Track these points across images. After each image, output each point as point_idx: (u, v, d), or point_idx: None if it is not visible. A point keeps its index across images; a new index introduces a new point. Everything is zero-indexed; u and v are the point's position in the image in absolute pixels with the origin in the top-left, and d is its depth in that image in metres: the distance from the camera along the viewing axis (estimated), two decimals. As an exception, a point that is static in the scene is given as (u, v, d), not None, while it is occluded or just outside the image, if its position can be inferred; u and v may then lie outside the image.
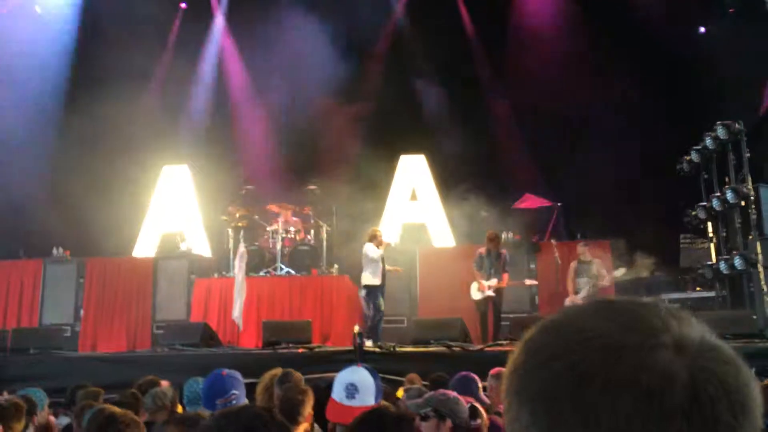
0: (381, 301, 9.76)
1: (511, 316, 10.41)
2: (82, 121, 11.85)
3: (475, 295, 10.15)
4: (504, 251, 10.25)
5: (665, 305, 0.69)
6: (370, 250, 9.68)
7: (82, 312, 11.53)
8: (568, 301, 10.22)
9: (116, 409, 3.61)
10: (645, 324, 0.65)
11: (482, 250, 10.21)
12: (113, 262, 12.02)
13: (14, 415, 3.66)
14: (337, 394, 3.11)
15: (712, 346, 0.66)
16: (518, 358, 0.69)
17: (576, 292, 10.27)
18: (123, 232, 12.73)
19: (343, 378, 3.14)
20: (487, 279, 10.08)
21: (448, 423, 3.22)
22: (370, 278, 9.68)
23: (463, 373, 5.13)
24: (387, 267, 9.86)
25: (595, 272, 10.19)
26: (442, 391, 3.74)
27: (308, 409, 3.55)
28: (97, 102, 12.17)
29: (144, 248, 12.74)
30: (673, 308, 0.68)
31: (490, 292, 10.04)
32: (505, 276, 10.14)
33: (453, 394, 3.48)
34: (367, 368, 3.22)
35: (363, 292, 9.83)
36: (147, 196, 13.01)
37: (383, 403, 3.46)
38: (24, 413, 3.66)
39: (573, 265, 10.40)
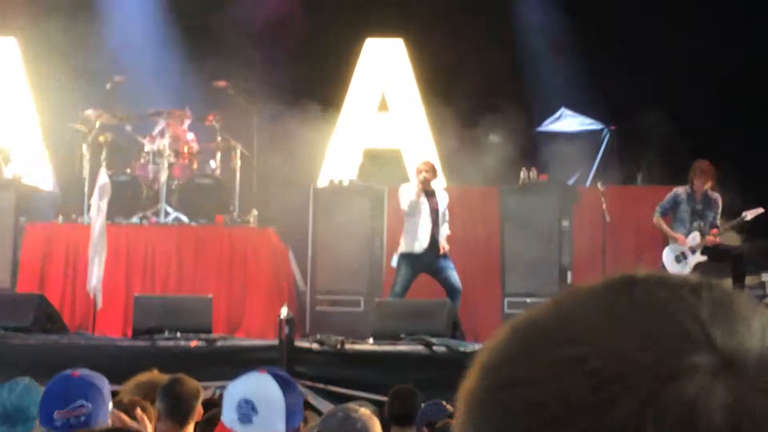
0: (398, 276, 8.00)
1: (528, 300, 8.23)
2: None
3: (673, 266, 7.73)
4: (714, 194, 7.88)
5: (717, 287, 0.49)
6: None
7: None
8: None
9: None
10: (674, 329, 0.47)
11: (681, 189, 7.89)
12: None
13: None
14: (228, 415, 2.77)
15: None
16: (474, 375, 0.55)
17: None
18: None
19: (235, 391, 2.80)
20: (687, 234, 7.68)
21: None
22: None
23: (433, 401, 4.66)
24: None
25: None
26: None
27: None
28: None
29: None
30: (726, 294, 0.48)
31: (699, 256, 7.68)
32: (714, 231, 7.84)
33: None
34: (276, 375, 2.84)
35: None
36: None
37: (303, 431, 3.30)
38: None
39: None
